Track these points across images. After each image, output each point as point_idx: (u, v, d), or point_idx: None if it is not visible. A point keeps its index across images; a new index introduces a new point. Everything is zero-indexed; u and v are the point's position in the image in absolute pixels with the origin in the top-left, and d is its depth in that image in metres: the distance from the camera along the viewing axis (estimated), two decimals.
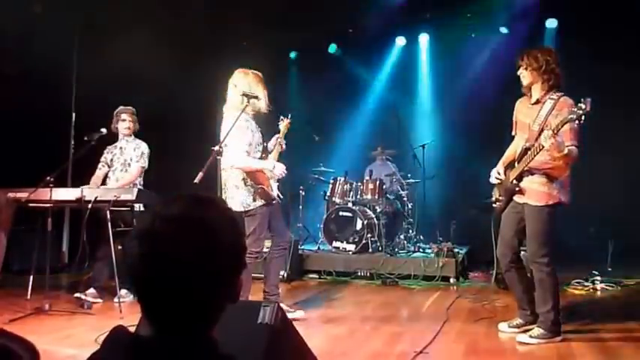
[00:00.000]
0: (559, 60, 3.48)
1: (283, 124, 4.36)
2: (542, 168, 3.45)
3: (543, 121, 3.38)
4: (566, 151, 3.21)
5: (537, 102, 3.52)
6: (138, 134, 5.15)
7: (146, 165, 5.04)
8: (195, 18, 6.76)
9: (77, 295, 4.52)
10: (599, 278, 5.54)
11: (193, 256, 0.99)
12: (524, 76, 3.51)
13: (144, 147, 5.06)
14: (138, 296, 1.03)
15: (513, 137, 3.83)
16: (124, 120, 5.00)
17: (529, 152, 3.42)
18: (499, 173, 3.68)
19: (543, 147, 3.20)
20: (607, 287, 5.36)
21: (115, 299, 4.42)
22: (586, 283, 5.43)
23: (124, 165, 5.00)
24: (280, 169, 4.05)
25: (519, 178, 3.54)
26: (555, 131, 3.12)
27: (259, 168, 3.99)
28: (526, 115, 3.59)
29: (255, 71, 4.11)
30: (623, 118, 6.80)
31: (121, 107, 5.07)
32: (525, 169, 3.49)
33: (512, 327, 3.74)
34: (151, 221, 1.01)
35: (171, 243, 0.99)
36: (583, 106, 3.01)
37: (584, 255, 6.30)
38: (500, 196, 3.75)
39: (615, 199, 6.81)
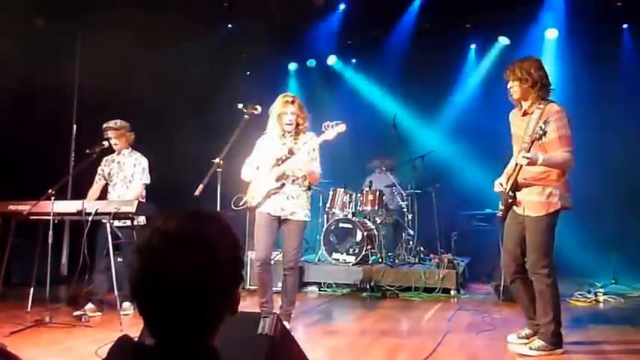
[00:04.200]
0: (545, 69, 3.48)
1: (334, 130, 3.94)
2: (536, 179, 3.48)
3: (532, 131, 3.39)
4: (540, 160, 3.30)
5: (525, 113, 3.54)
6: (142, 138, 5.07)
7: (148, 181, 4.96)
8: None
9: (76, 313, 4.46)
10: (602, 290, 5.52)
11: (190, 270, 1.01)
12: (516, 90, 3.49)
13: (144, 162, 4.96)
14: (139, 308, 1.05)
15: None
16: (110, 137, 4.86)
17: (515, 167, 3.49)
18: (501, 184, 3.70)
19: (521, 165, 3.36)
20: (610, 299, 5.35)
21: (121, 312, 4.40)
22: (588, 295, 5.42)
23: (124, 181, 4.92)
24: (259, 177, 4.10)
25: (514, 189, 3.56)
26: (527, 149, 3.33)
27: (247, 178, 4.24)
28: (519, 126, 3.62)
29: (288, 94, 4.17)
30: (624, 130, 6.83)
31: (105, 124, 4.90)
32: (521, 180, 3.52)
33: (521, 338, 3.70)
34: (150, 236, 1.04)
35: (169, 258, 1.01)
36: (543, 126, 3.24)
37: (587, 267, 6.30)
38: (502, 205, 3.77)
39: (618, 210, 6.81)
